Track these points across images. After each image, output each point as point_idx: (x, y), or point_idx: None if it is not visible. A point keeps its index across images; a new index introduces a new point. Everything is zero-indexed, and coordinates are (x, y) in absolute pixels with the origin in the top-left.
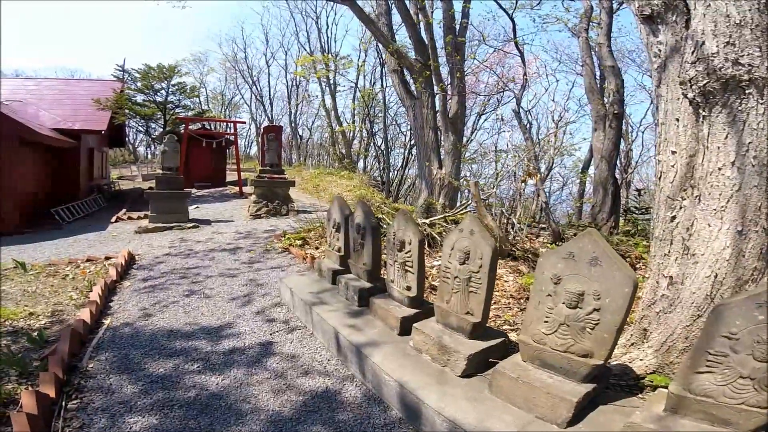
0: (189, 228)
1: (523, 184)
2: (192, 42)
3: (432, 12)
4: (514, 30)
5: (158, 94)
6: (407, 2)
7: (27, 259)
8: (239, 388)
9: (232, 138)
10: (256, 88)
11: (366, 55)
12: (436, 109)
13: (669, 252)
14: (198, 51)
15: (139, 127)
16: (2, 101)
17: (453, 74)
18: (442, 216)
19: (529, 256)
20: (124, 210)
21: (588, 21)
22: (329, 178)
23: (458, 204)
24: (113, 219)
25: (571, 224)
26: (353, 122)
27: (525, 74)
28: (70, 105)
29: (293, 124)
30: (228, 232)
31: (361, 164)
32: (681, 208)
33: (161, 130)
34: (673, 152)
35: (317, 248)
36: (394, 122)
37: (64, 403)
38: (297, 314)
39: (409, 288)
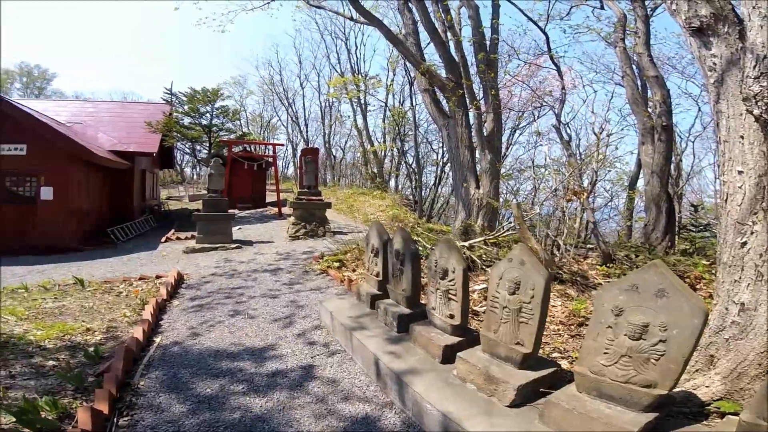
0: (233, 249)
1: (567, 203)
2: (231, 65)
3: (460, 29)
4: (548, 44)
5: (203, 117)
6: (434, 21)
7: (85, 276)
8: (282, 411)
9: (271, 160)
10: (292, 110)
11: (394, 74)
12: (471, 127)
13: (740, 278)
14: (238, 74)
15: (186, 149)
16: (66, 123)
17: (487, 91)
18: (481, 239)
19: (577, 278)
20: (172, 230)
21: (623, 30)
22: (362, 197)
23: (498, 225)
24: (163, 239)
25: (622, 244)
26: (384, 141)
27: (563, 88)
28: (124, 127)
29: (327, 145)
30: (269, 253)
31: (392, 183)
32: (752, 233)
33: (206, 152)
34: (740, 172)
35: (354, 270)
36: (425, 140)
37: (116, 419)
38: (337, 338)
39: (452, 316)
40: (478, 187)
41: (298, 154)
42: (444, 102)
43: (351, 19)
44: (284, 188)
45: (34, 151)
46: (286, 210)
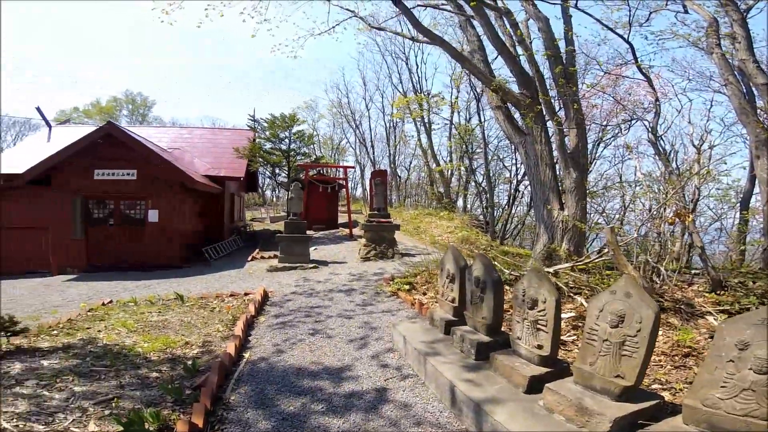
0: (310, 268)
1: (670, 225)
2: (304, 90)
3: (530, 42)
4: (633, 53)
5: (283, 142)
6: (501, 36)
7: (184, 292)
8: None
9: (343, 182)
10: (359, 132)
11: (458, 91)
12: (551, 143)
13: None
14: (309, 98)
15: (267, 173)
16: (167, 149)
17: (567, 105)
18: (568, 265)
19: (681, 307)
20: (257, 250)
21: (717, 35)
22: (428, 218)
23: (585, 248)
24: (249, 258)
25: (735, 270)
26: (450, 160)
27: (657, 100)
28: (215, 153)
29: (392, 165)
30: (343, 274)
31: (460, 203)
32: None
33: (285, 175)
34: None
35: (424, 294)
36: (495, 157)
37: None
38: (409, 362)
39: (540, 347)
40: (562, 208)
41: (366, 175)
42: (519, 118)
43: (412, 39)
44: (354, 209)
45: (143, 176)
46: (356, 231)
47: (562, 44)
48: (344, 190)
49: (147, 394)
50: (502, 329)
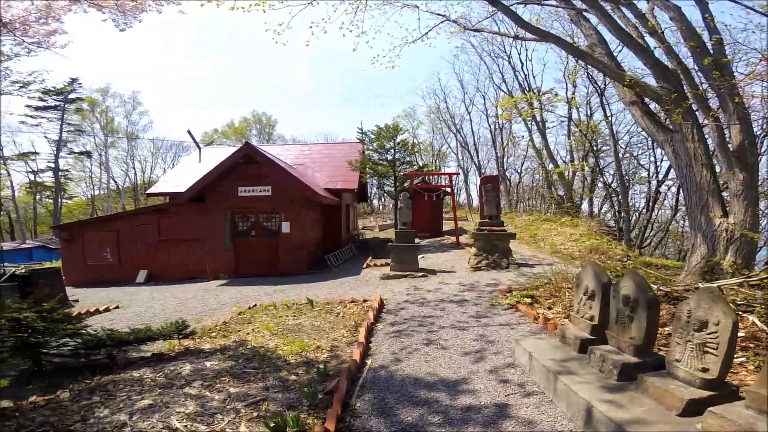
0: (419, 277)
1: None
2: (401, 99)
3: (662, 32)
4: None
5: (388, 152)
6: (625, 28)
7: (312, 296)
8: None
9: (448, 189)
10: (460, 136)
11: (575, 87)
12: (706, 141)
13: None
14: (408, 106)
15: (374, 181)
16: (293, 165)
17: (724, 99)
18: (738, 280)
19: None
20: (370, 257)
21: None
22: (546, 225)
23: (754, 261)
24: (364, 265)
25: None
26: (571, 160)
27: None
28: (331, 166)
29: (501, 168)
30: (452, 283)
31: (585, 207)
32: None
33: (391, 184)
34: None
35: (549, 308)
36: (628, 155)
37: None
38: (535, 379)
39: (705, 370)
40: (725, 214)
41: (471, 180)
42: (661, 114)
43: (515, 37)
44: (459, 216)
45: (276, 192)
46: (463, 239)
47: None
48: (449, 197)
49: (287, 397)
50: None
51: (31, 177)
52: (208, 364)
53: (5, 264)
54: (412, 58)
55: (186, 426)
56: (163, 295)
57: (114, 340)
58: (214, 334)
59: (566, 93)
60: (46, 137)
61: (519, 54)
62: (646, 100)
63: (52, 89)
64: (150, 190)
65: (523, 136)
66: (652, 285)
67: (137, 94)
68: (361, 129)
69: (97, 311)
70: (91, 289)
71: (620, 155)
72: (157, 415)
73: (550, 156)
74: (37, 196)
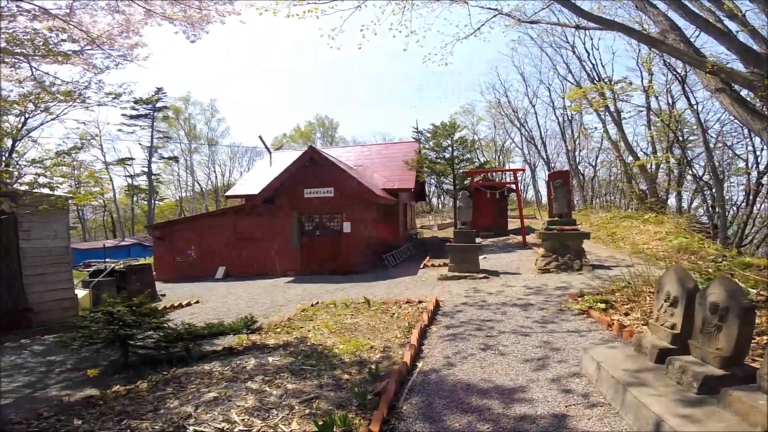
0: (480, 278)
1: None
2: (459, 96)
3: (743, 15)
4: None
5: (446, 150)
6: (697, 11)
7: (369, 296)
8: None
9: (512, 186)
10: (525, 130)
11: (651, 75)
12: None
13: None
14: (465, 103)
15: (432, 180)
16: (353, 166)
17: None
18: None
19: None
20: (428, 257)
21: None
22: (627, 223)
23: None
24: (421, 265)
25: None
26: (653, 152)
27: None
28: (388, 166)
29: (572, 162)
30: (517, 286)
31: (672, 202)
32: None
33: (450, 183)
34: None
35: (626, 315)
36: (720, 144)
37: None
38: (602, 390)
39: None
40: None
41: (539, 176)
42: (757, 102)
43: (577, 27)
44: (525, 214)
45: (338, 192)
46: (530, 239)
47: None
48: (514, 194)
49: (338, 395)
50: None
51: (129, 180)
52: (270, 359)
53: (107, 260)
54: (466, 54)
55: (243, 420)
56: (237, 291)
57: (191, 334)
58: (279, 330)
59: (642, 81)
60: (139, 144)
61: (584, 43)
62: (736, 86)
63: (142, 99)
64: (228, 193)
65: (596, 128)
66: (750, 289)
67: (214, 102)
68: (416, 128)
69: (180, 305)
70: (177, 284)
71: (711, 145)
72: (219, 408)
73: (629, 148)
74: (134, 198)
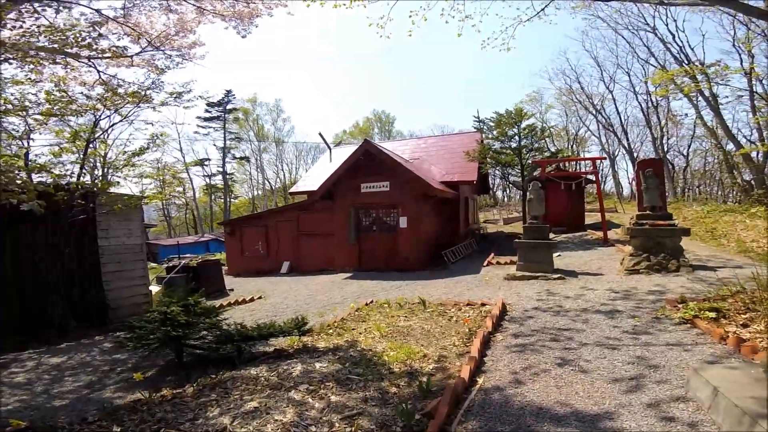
0: (555, 279)
1: None
2: (522, 84)
3: None
4: None
5: (512, 140)
6: None
7: (425, 296)
8: None
9: (590, 177)
10: (602, 117)
11: (752, 57)
12: None
13: None
14: (532, 91)
15: (497, 173)
16: (409, 159)
17: None
18: None
19: None
20: (492, 254)
21: None
22: (728, 217)
23: None
24: (485, 263)
25: None
26: (760, 139)
27: None
28: (447, 159)
29: (659, 151)
30: (599, 289)
31: None
32: None
33: (517, 174)
34: None
35: (744, 326)
36: None
37: None
38: (717, 420)
39: None
40: None
41: (620, 166)
42: None
43: (660, 3)
44: (606, 208)
45: (394, 187)
46: (612, 234)
47: None
48: (591, 186)
49: (383, 412)
50: None
51: (206, 180)
52: (317, 365)
53: (182, 255)
54: (529, 39)
55: None
56: (298, 287)
57: (241, 335)
58: (330, 331)
59: (741, 64)
60: (214, 145)
61: (666, 25)
62: None
63: (214, 102)
64: (291, 189)
65: (686, 115)
66: None
67: (279, 102)
68: (478, 117)
69: (244, 301)
70: (246, 279)
71: None
72: (256, 421)
73: (729, 135)
74: (212, 196)
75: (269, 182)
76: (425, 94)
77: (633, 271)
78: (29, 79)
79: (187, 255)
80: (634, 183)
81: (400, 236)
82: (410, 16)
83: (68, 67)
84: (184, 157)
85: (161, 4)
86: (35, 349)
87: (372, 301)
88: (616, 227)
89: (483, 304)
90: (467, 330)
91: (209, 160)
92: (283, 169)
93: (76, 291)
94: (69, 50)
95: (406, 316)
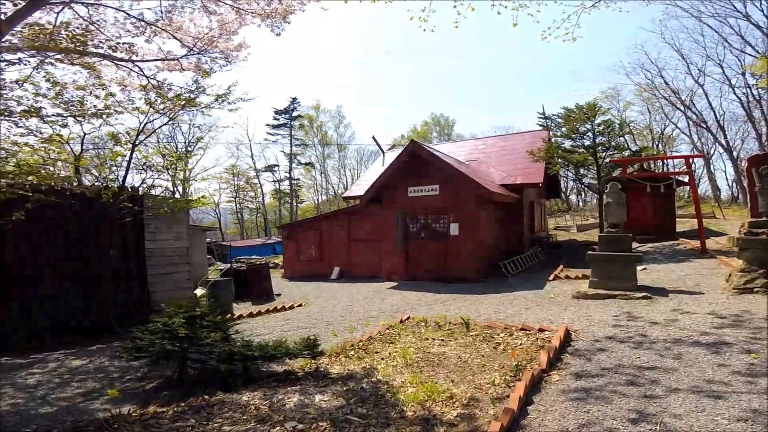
0: (638, 299)
1: None
2: (593, 80)
3: None
4: None
5: (585, 137)
6: None
7: (473, 313)
8: None
9: (682, 178)
10: (693, 113)
11: None
12: None
13: None
14: (606, 87)
15: (569, 174)
16: (465, 161)
17: None
18: None
19: None
20: (561, 266)
21: None
22: None
23: None
24: (551, 276)
25: None
26: None
27: None
28: (510, 160)
29: (765, 148)
30: (698, 313)
31: None
32: None
33: (592, 175)
34: None
35: None
36: None
37: None
38: None
39: None
40: None
41: (716, 166)
42: None
43: None
44: (702, 213)
45: (444, 190)
46: (711, 244)
47: None
48: (685, 188)
49: None
50: None
51: (275, 185)
52: (317, 398)
53: (249, 256)
54: (599, 33)
55: None
56: (342, 295)
57: (242, 355)
58: (352, 353)
59: None
60: (282, 151)
61: (762, 10)
62: None
63: (281, 109)
64: (345, 194)
65: None
66: None
67: (341, 108)
68: (543, 113)
69: (284, 308)
70: (299, 282)
71: None
72: None
73: None
74: (280, 201)
75: (333, 187)
76: (486, 96)
77: (744, 290)
78: (80, 84)
79: (254, 256)
80: (736, 185)
81: (451, 244)
82: (455, 6)
83: (121, 70)
84: (254, 163)
85: (202, 6)
86: (68, 349)
87: (408, 318)
88: (716, 235)
89: (541, 330)
90: (515, 365)
91: (278, 166)
92: (345, 174)
93: (120, 292)
94: (115, 54)
95: (442, 340)
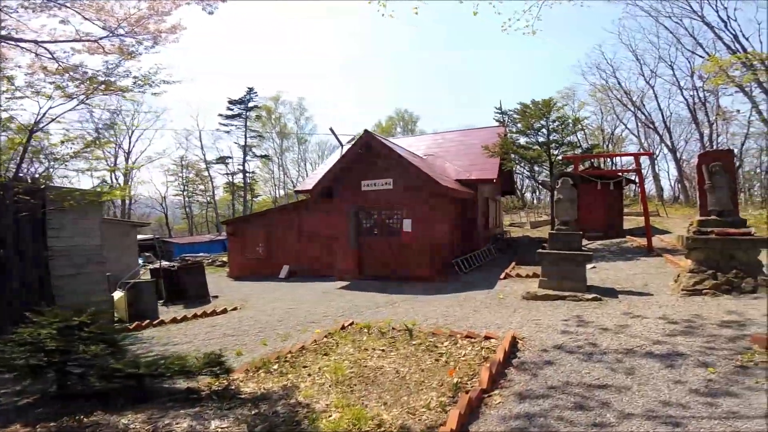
0: (588, 300)
1: None
2: (555, 80)
3: None
4: None
5: (540, 133)
6: None
7: (420, 317)
8: None
9: (631, 176)
10: (642, 114)
11: None
12: None
13: None
14: (563, 87)
15: (525, 171)
16: (422, 156)
17: None
18: None
19: None
20: (512, 265)
21: None
22: None
23: None
24: (502, 275)
25: None
26: None
27: None
28: (466, 155)
29: (706, 150)
30: (650, 318)
31: None
32: None
33: (546, 174)
34: None
35: None
36: None
37: None
38: None
39: None
40: None
41: (660, 166)
42: None
43: None
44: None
45: (397, 184)
46: (657, 242)
47: None
48: (631, 186)
49: None
50: None
51: (228, 178)
52: (213, 425)
53: (196, 254)
54: (560, 33)
55: None
56: (287, 296)
57: (123, 372)
58: (275, 366)
59: None
60: (236, 143)
61: (716, 11)
62: None
63: (236, 99)
64: (297, 188)
65: (738, 111)
66: None
67: (302, 101)
68: (500, 108)
69: (214, 312)
70: (243, 282)
71: None
72: None
73: None
74: (234, 195)
75: (292, 181)
76: (452, 95)
77: (693, 292)
78: None
79: (201, 254)
80: (678, 184)
81: (404, 241)
82: None
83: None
84: (204, 155)
85: None
86: None
87: (351, 324)
88: (661, 233)
89: (487, 338)
90: (455, 381)
91: (231, 158)
92: (305, 168)
93: (14, 298)
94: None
95: (383, 350)
